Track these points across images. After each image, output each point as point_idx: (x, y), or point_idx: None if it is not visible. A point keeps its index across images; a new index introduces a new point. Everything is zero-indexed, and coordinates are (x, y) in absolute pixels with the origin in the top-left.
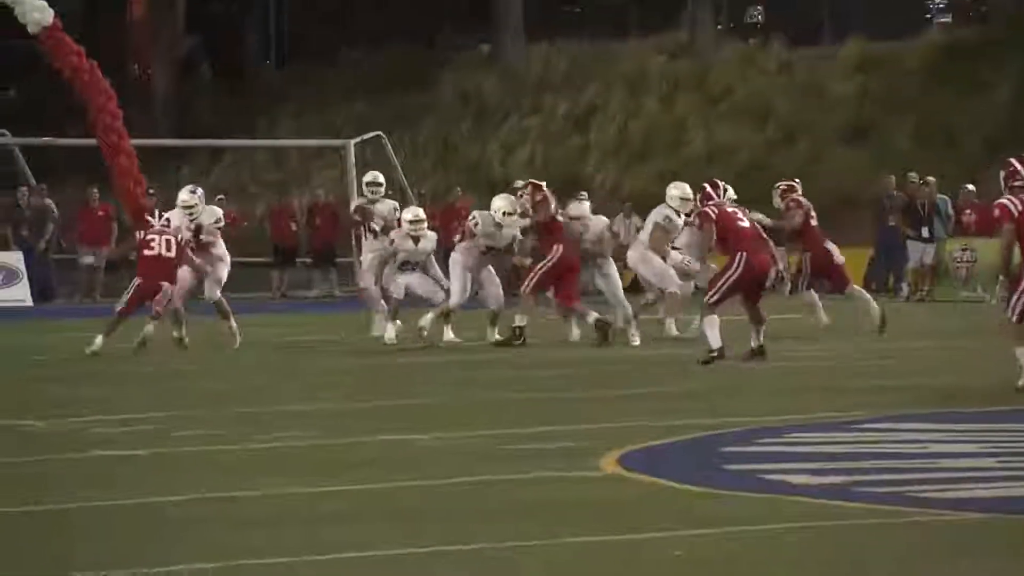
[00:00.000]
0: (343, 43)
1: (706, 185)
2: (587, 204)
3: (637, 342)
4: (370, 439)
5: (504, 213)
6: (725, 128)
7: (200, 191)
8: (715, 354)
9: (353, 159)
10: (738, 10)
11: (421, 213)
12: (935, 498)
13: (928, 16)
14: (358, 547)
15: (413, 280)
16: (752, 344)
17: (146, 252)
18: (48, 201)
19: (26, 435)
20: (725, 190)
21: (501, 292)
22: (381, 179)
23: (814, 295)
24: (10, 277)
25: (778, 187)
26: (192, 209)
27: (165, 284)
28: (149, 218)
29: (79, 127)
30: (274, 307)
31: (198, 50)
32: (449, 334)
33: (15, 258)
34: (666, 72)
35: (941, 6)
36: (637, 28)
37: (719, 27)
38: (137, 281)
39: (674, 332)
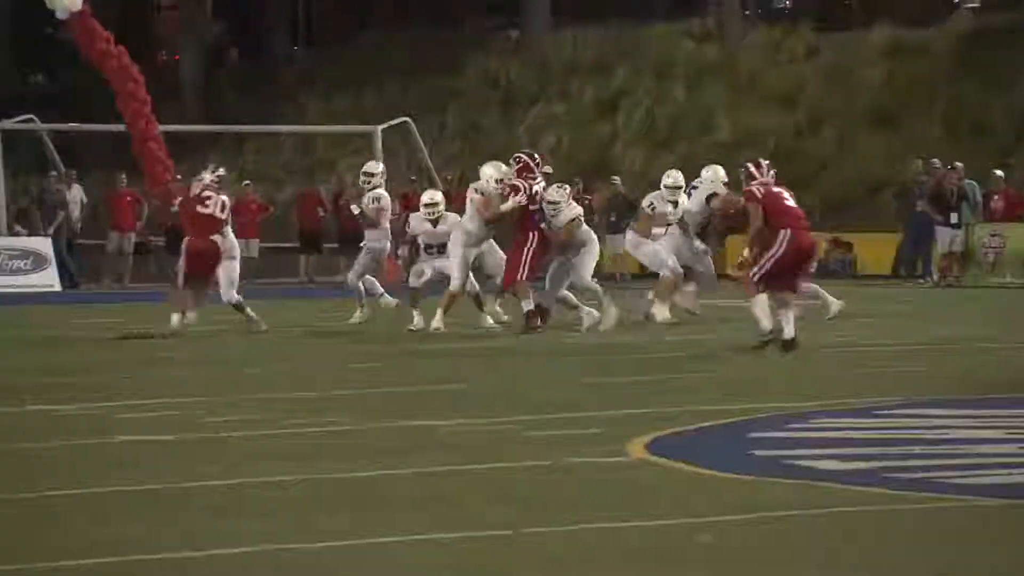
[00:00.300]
0: (368, 27)
1: (749, 164)
2: (566, 191)
3: (585, 326)
4: (399, 424)
5: (495, 181)
6: (752, 114)
7: (222, 171)
8: (769, 336)
9: (380, 144)
10: None
11: (437, 196)
12: (960, 484)
13: (956, 2)
14: (391, 532)
15: (441, 263)
16: (787, 334)
17: (200, 209)
18: (61, 187)
19: (56, 419)
20: (768, 168)
21: (501, 256)
22: (374, 168)
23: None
24: (39, 262)
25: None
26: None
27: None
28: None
29: (108, 113)
30: (302, 293)
31: (225, 36)
32: (488, 319)
33: (44, 244)
34: (693, 58)
35: None
36: (664, 14)
37: (747, 13)
38: (187, 244)
39: (662, 316)
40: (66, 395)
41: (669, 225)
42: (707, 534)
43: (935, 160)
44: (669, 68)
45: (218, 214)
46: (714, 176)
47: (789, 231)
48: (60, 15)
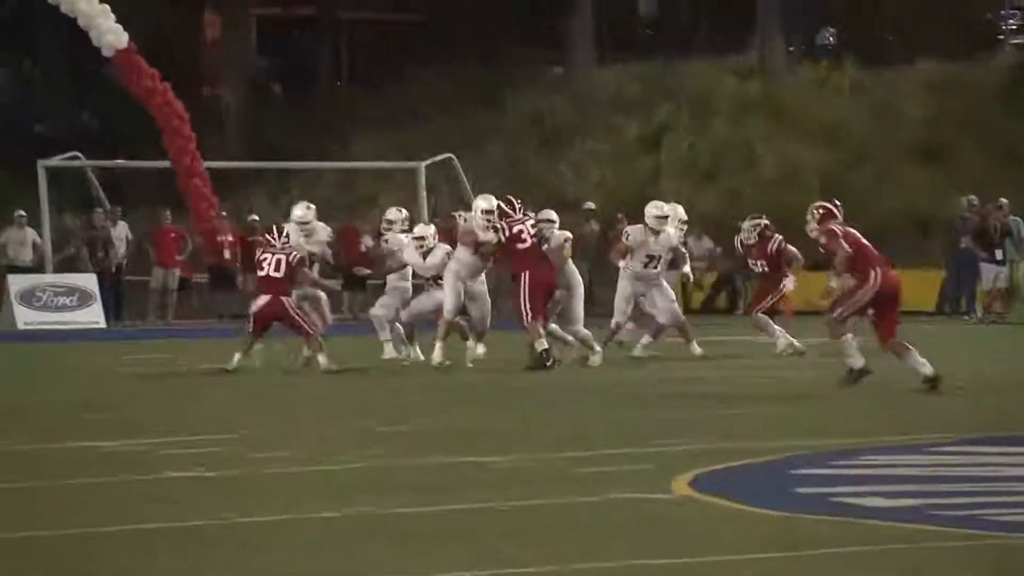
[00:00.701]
0: (411, 63)
1: (826, 204)
2: (552, 213)
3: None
4: (447, 460)
5: (482, 212)
6: (795, 149)
7: (313, 207)
8: (861, 373)
9: (424, 180)
10: (809, 31)
11: (429, 229)
12: (1008, 521)
13: (1000, 37)
14: (438, 568)
15: (436, 295)
16: (925, 372)
17: (259, 272)
18: (106, 224)
19: (102, 455)
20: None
21: (488, 309)
22: (394, 215)
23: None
24: (84, 299)
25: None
26: (307, 226)
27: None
28: (256, 239)
29: (153, 150)
30: (345, 329)
31: (269, 72)
32: (477, 350)
33: (89, 280)
34: (736, 93)
35: (1014, 27)
36: (707, 50)
37: (790, 49)
38: (257, 299)
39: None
40: (109, 431)
41: (655, 259)
42: (749, 572)
43: (973, 196)
44: (711, 103)
45: (272, 274)
46: (658, 212)
47: (879, 270)
48: (106, 52)
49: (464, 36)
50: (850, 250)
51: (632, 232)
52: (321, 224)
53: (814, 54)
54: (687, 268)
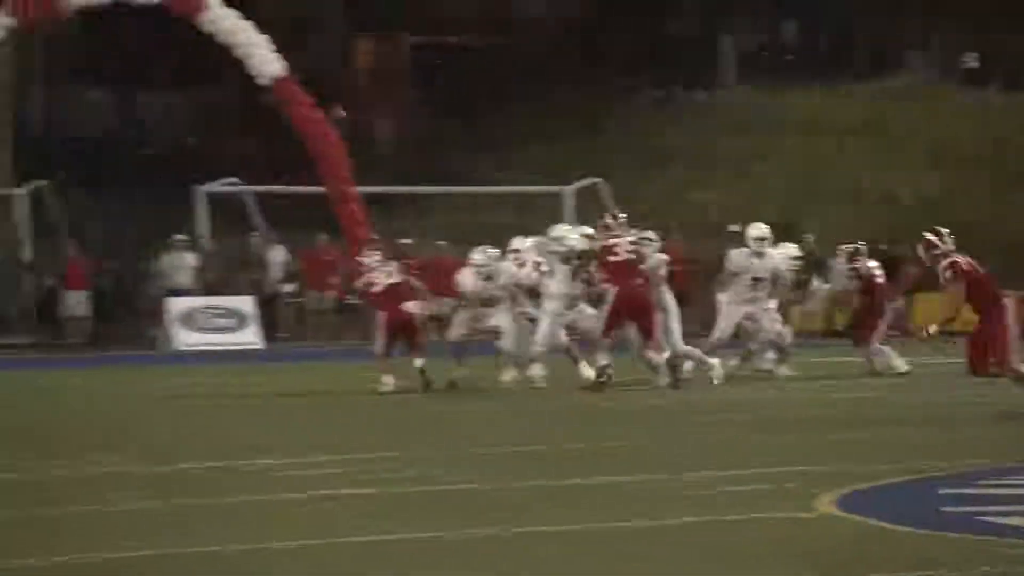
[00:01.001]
0: (558, 83)
1: (929, 235)
2: (651, 233)
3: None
4: (585, 481)
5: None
6: (941, 176)
7: (493, 252)
8: None
9: (571, 204)
10: (952, 54)
11: (489, 251)
12: None
13: None
14: None
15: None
16: None
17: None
18: (263, 248)
19: (254, 474)
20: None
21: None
22: (519, 243)
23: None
24: (241, 321)
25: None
26: (484, 268)
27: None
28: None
29: (309, 175)
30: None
31: (421, 98)
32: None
33: (246, 302)
34: (891, 117)
35: None
36: (850, 75)
37: (934, 71)
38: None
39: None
40: (274, 448)
41: (759, 281)
42: None
43: None
44: (866, 128)
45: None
46: (759, 233)
47: (1009, 303)
48: (263, 81)
49: (623, 62)
50: (963, 293)
51: (734, 256)
52: (505, 264)
53: (957, 76)
54: (829, 286)
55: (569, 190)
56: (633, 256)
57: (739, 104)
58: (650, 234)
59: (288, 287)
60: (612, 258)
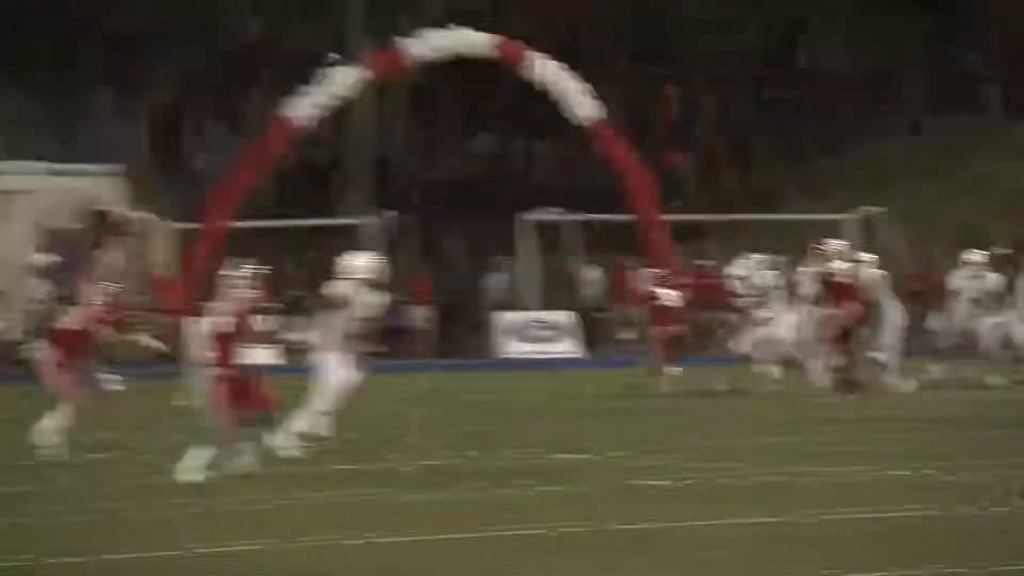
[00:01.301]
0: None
1: None
2: (863, 255)
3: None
4: (803, 469)
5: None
6: None
7: (751, 262)
8: None
9: (855, 232)
10: None
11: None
12: None
13: None
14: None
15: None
16: None
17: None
18: (581, 269)
19: (580, 462)
20: None
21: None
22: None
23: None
24: (562, 332)
25: None
26: (742, 279)
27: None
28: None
29: (620, 205)
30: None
31: (720, 140)
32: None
33: (566, 316)
34: None
35: None
36: None
37: None
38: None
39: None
40: (581, 443)
41: (978, 301)
42: None
43: None
44: None
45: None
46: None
47: None
48: (576, 121)
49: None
50: None
51: (956, 278)
52: (763, 273)
53: None
54: None
55: (848, 218)
56: (849, 277)
57: None
58: (861, 255)
59: (601, 304)
60: (836, 278)
